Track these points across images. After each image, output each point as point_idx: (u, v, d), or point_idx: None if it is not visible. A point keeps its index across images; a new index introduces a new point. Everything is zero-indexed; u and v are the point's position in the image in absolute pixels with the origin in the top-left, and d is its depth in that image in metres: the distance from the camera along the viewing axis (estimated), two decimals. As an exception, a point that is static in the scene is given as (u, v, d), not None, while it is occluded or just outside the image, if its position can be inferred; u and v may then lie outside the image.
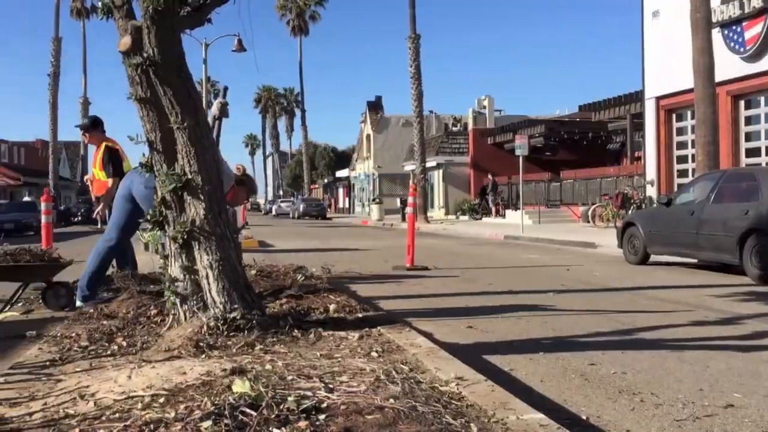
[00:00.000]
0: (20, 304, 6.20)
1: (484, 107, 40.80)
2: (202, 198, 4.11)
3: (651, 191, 19.64)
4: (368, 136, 52.26)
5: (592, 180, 25.41)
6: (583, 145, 31.29)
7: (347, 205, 59.75)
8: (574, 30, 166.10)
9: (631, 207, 19.23)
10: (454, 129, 42.47)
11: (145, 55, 3.98)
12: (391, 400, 2.71)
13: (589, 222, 22.18)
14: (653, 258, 10.49)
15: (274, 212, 56.74)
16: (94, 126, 7.26)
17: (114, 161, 7.02)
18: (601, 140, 30.78)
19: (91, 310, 5.28)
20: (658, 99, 19.88)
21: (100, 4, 4.42)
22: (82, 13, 45.57)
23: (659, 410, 3.32)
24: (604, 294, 7.30)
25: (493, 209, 30.44)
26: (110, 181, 6.89)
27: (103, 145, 7.07)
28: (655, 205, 14.91)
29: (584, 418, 3.22)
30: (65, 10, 44.45)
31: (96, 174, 7.20)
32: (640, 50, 20.57)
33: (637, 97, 21.98)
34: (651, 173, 20.19)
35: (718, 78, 14.26)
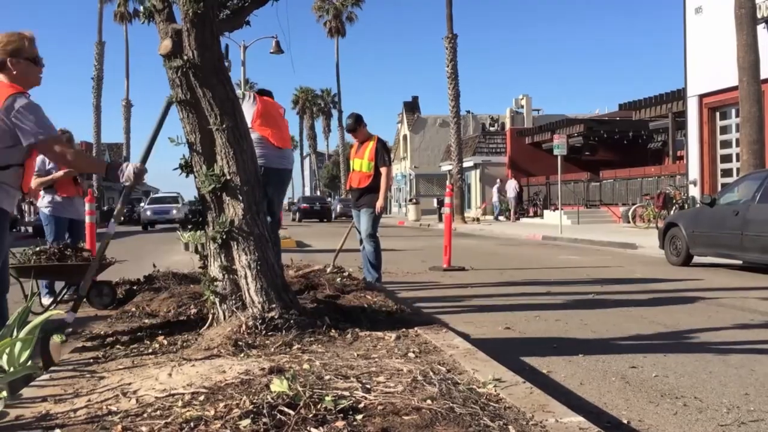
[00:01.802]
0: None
1: (522, 107, 40.50)
2: (241, 198, 4.15)
3: (694, 191, 19.25)
4: (405, 136, 52.27)
5: (633, 180, 24.99)
6: (623, 145, 30.80)
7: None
8: (615, 27, 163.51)
9: (673, 207, 18.88)
10: (492, 129, 42.21)
11: (185, 57, 4.04)
12: (429, 401, 2.70)
13: (629, 222, 21.84)
14: (696, 259, 10.27)
15: (312, 212, 57.02)
16: (359, 123, 7.65)
17: (387, 151, 7.63)
18: (642, 139, 30.25)
19: (134, 309, 5.38)
20: (701, 97, 19.46)
21: (142, 8, 4.50)
22: (125, 17, 46.46)
23: (703, 415, 3.25)
24: (645, 295, 7.18)
25: (530, 210, 30.24)
26: (384, 170, 7.46)
27: (376, 137, 7.59)
28: (698, 205, 14.60)
29: (625, 422, 3.17)
30: (108, 14, 45.42)
31: (360, 166, 7.58)
32: (683, 47, 20.18)
33: (680, 95, 21.57)
34: (694, 173, 19.77)
35: (764, 75, 13.91)
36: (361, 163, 7.55)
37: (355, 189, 7.66)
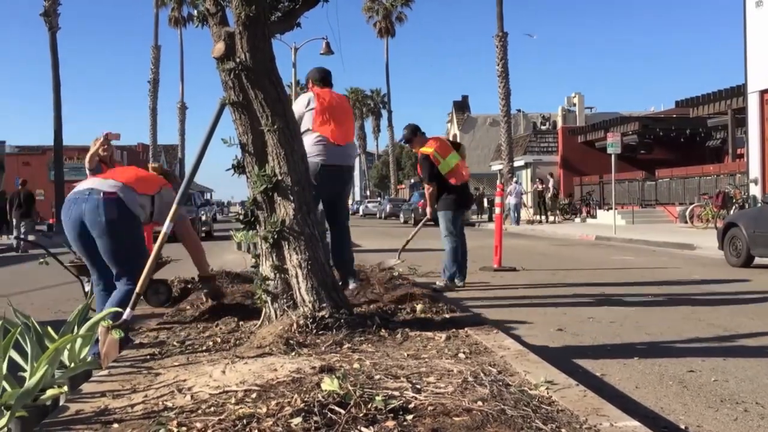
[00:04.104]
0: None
1: (574, 105, 39.88)
2: (292, 198, 4.20)
3: (755, 190, 18.61)
4: (455, 135, 52.05)
5: (690, 179, 24.31)
6: (680, 143, 29.99)
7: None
8: (672, 22, 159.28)
9: (733, 207, 18.31)
10: (543, 128, 41.66)
11: (237, 60, 4.10)
12: (479, 403, 2.68)
13: (686, 222, 21.28)
14: (757, 260, 9.92)
15: (361, 212, 57.30)
16: (415, 134, 7.73)
17: (426, 167, 7.53)
18: (700, 137, 29.39)
19: (188, 307, 5.49)
20: (763, 92, 18.79)
21: (196, 12, 4.59)
22: (179, 21, 47.51)
23: (765, 421, 3.14)
24: (703, 297, 6.97)
25: (583, 210, 29.65)
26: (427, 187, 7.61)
27: (420, 151, 7.62)
28: (759, 204, 14.12)
29: (683, 427, 3.08)
30: (163, 19, 46.51)
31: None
32: (743, 42, 19.53)
33: (740, 91, 20.88)
34: (755, 171, 19.10)
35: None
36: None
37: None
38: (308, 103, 6.00)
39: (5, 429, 2.64)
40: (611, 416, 2.62)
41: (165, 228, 4.46)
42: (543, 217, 28.70)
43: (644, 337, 5.00)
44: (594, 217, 27.54)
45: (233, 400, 2.80)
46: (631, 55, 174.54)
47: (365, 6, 53.75)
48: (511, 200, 26.83)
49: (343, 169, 6.10)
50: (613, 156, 18.68)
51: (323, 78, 6.29)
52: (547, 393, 2.90)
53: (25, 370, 3.16)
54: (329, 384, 2.76)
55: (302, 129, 5.95)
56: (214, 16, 4.40)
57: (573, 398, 2.84)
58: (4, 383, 2.76)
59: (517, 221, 26.93)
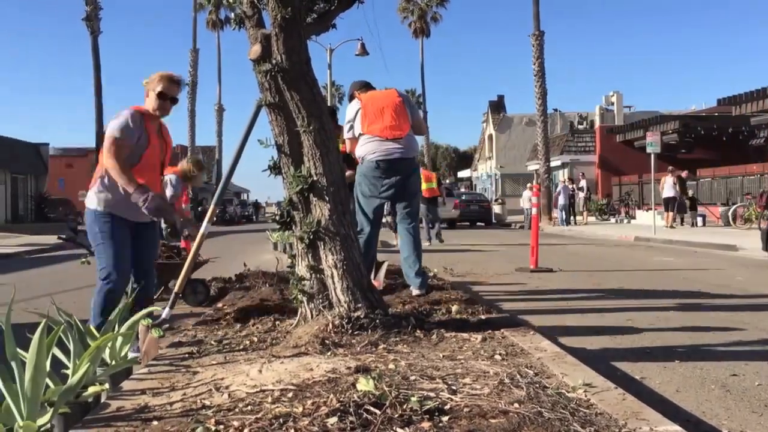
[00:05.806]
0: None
1: (612, 104, 39.31)
2: (327, 199, 4.21)
3: (800, 190, 18.13)
4: (490, 135, 51.74)
5: (733, 178, 23.80)
6: (722, 142, 29.34)
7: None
8: (711, 18, 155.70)
9: (778, 207, 17.87)
10: (580, 127, 41.13)
11: (273, 61, 4.14)
12: (516, 405, 2.66)
13: (729, 223, 20.82)
14: (804, 262, 9.66)
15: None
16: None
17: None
18: (743, 136, 28.71)
19: (226, 306, 5.55)
20: (809, 89, 18.31)
21: (233, 15, 4.64)
22: (216, 24, 48.15)
23: (812, 428, 3.05)
24: (747, 300, 6.81)
25: (621, 210, 29.15)
26: None
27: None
28: (805, 204, 13.75)
29: (725, 432, 3.01)
30: (201, 22, 47.18)
31: None
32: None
33: (785, 88, 20.37)
34: (800, 170, 18.62)
35: None
36: None
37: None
38: (357, 109, 5.87)
39: (49, 425, 2.70)
40: (651, 420, 2.57)
41: (203, 229, 4.52)
42: (572, 218, 27.22)
43: (685, 339, 4.90)
44: (633, 217, 27.10)
45: (270, 399, 2.82)
46: (671, 52, 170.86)
47: (400, 6, 53.69)
48: (560, 201, 25.75)
49: (393, 163, 5.75)
50: (652, 155, 18.38)
51: (366, 85, 6.16)
52: (585, 396, 2.86)
53: (67, 368, 3.23)
54: (365, 384, 2.77)
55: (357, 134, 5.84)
56: (250, 18, 4.44)
57: (611, 401, 2.79)
58: (48, 380, 2.83)
59: (565, 221, 25.53)
